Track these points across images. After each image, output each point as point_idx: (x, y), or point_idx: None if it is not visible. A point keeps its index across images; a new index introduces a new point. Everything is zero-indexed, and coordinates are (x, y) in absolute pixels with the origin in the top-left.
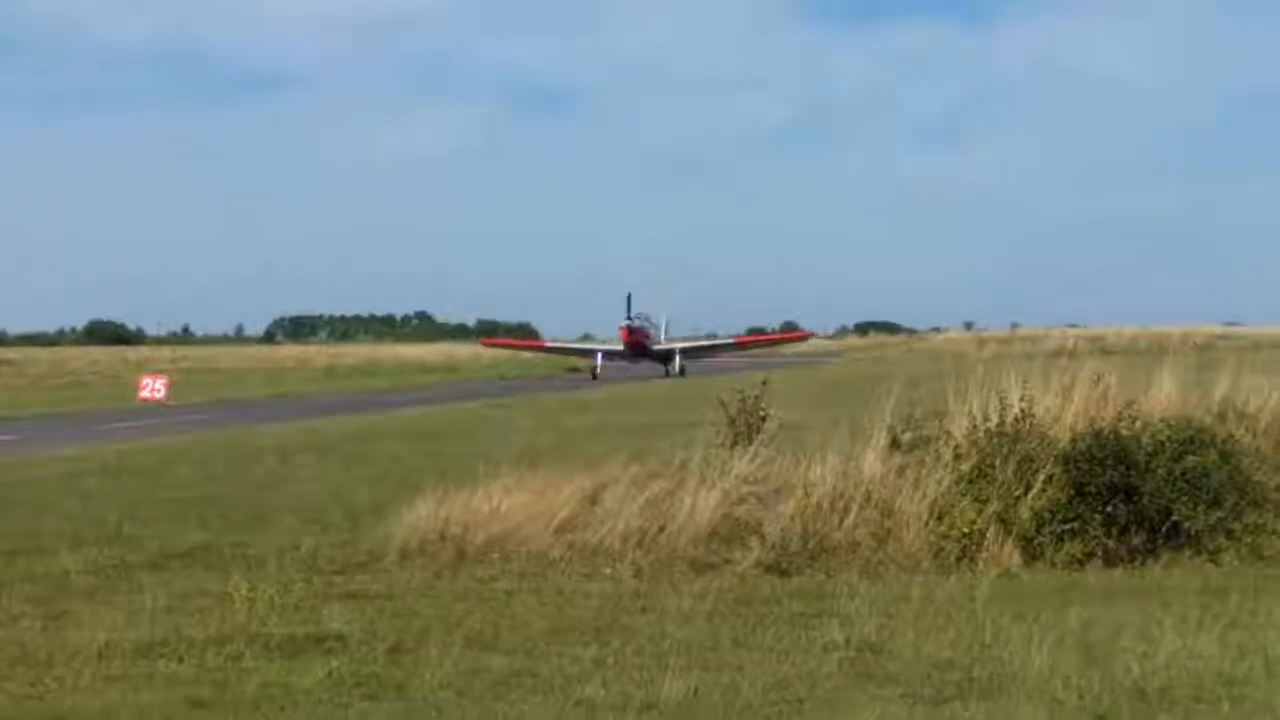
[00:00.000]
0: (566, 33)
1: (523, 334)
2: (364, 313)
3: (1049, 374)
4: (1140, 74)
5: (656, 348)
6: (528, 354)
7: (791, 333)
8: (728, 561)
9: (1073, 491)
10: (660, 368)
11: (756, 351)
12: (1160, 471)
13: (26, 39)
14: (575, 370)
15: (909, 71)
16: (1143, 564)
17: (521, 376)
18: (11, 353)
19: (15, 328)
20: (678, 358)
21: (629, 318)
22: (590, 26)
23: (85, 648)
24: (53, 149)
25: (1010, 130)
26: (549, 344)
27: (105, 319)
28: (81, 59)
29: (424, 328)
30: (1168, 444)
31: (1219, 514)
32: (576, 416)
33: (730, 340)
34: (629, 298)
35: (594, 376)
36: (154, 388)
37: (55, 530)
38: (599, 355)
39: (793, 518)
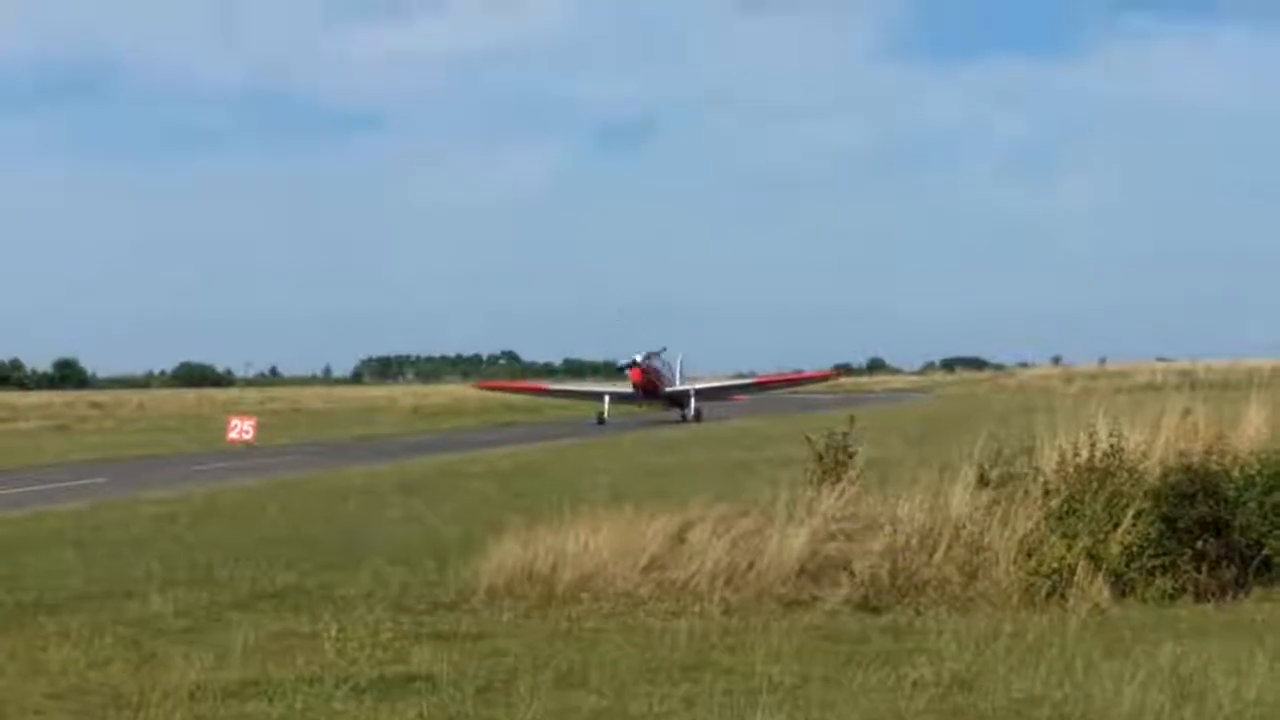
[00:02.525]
0: (653, 65)
1: (608, 371)
2: (450, 353)
3: (1138, 409)
4: (1226, 101)
5: (669, 389)
6: (521, 397)
7: (817, 372)
8: (816, 599)
9: (1163, 526)
10: (674, 412)
11: (811, 389)
12: (1251, 505)
13: (119, 79)
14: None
15: (996, 104)
16: (1234, 599)
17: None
18: (102, 395)
19: (105, 370)
20: (693, 400)
21: (640, 357)
22: (677, 58)
23: (176, 689)
24: (143, 190)
25: (1098, 162)
26: (551, 386)
27: (194, 361)
28: (172, 99)
29: (511, 368)
30: (1258, 478)
31: None
32: (661, 455)
33: (750, 380)
34: (661, 351)
35: (601, 422)
36: (242, 429)
37: (146, 572)
38: (606, 398)
39: (882, 555)
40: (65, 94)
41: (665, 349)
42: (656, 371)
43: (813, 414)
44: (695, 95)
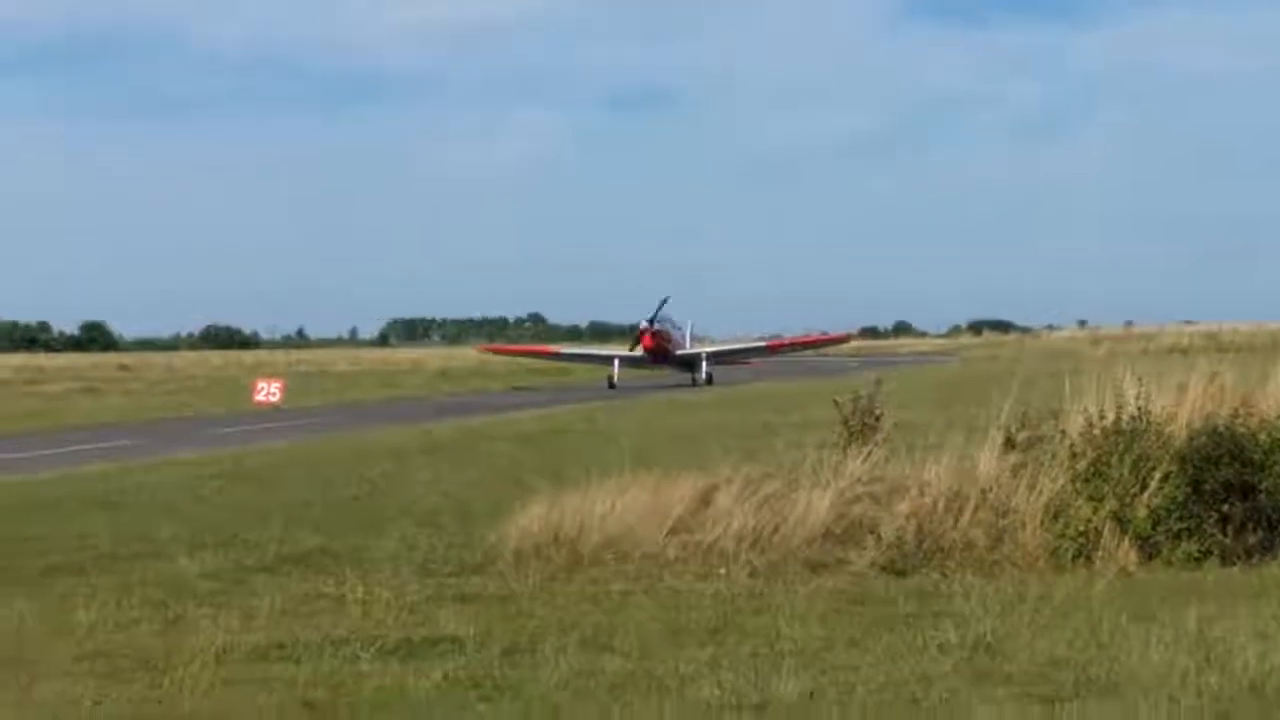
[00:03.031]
0: (663, 38)
1: (632, 335)
2: (476, 315)
3: (1164, 371)
4: (1246, 65)
5: (680, 353)
6: (529, 360)
7: (830, 335)
8: (842, 561)
9: (1189, 489)
10: (684, 375)
11: (829, 352)
12: (1278, 469)
13: (134, 46)
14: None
15: (1009, 70)
16: (1260, 562)
17: (527, 388)
18: (129, 358)
19: (132, 332)
20: (704, 364)
21: (650, 320)
22: (687, 31)
23: (203, 651)
24: (170, 153)
25: (1119, 125)
26: (559, 350)
27: (221, 323)
28: (187, 65)
29: (538, 330)
30: None
31: None
32: (686, 417)
33: (761, 344)
34: (662, 303)
35: (611, 386)
36: (269, 391)
37: (172, 534)
38: (616, 362)
39: (908, 517)
40: (85, 58)
41: (668, 298)
42: (667, 335)
43: (838, 378)
44: (709, 65)
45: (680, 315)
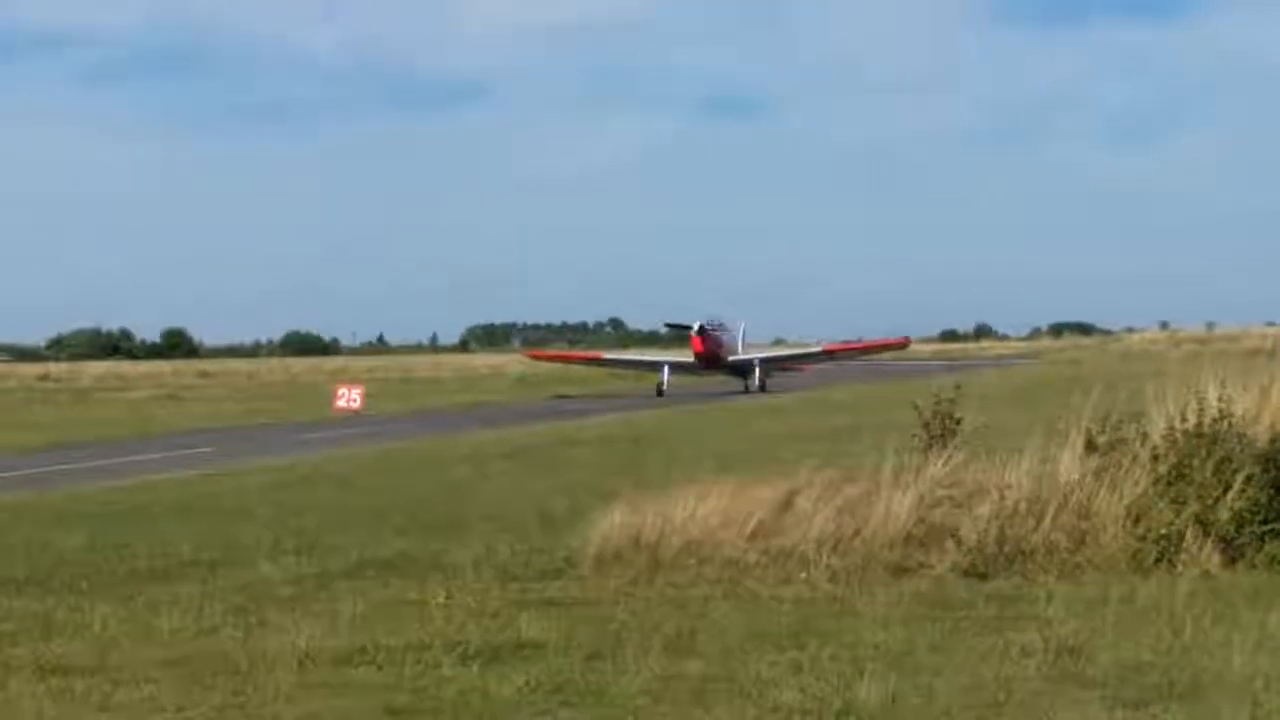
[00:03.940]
0: (757, 37)
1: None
2: (556, 321)
3: (1246, 373)
4: None
5: (733, 358)
6: (579, 367)
7: (887, 340)
8: (923, 565)
9: (1272, 491)
10: (738, 382)
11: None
12: None
13: (222, 52)
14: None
15: (1100, 70)
16: None
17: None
18: (210, 365)
19: (213, 340)
20: (757, 370)
21: (702, 324)
22: (780, 30)
23: (285, 656)
24: (249, 162)
25: (1204, 125)
26: (607, 356)
27: (302, 330)
28: (272, 71)
29: (617, 335)
30: None
31: None
32: (767, 421)
33: (818, 349)
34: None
35: (660, 393)
36: (350, 397)
37: (254, 540)
38: (666, 368)
39: (989, 521)
40: (170, 65)
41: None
42: (719, 340)
43: (919, 381)
44: (800, 66)
45: (764, 319)
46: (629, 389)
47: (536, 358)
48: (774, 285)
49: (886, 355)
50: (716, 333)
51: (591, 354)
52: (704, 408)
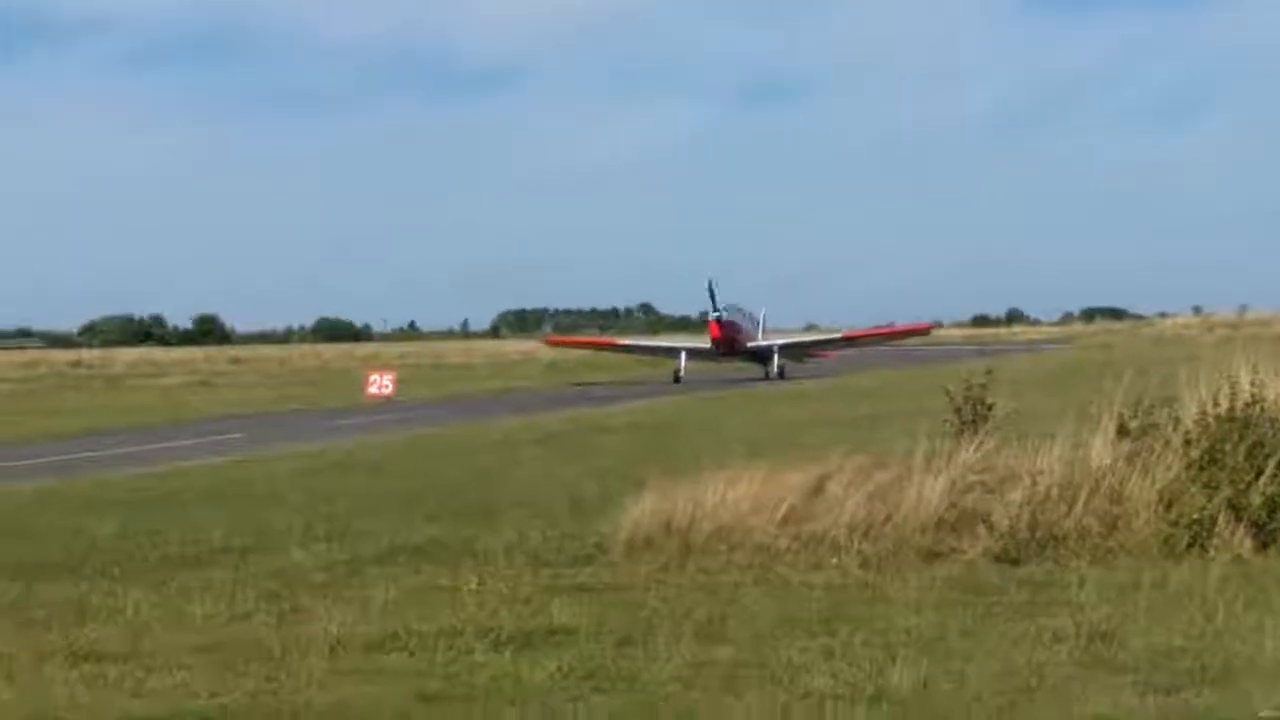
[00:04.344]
0: (790, 24)
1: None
2: (587, 306)
3: (1278, 358)
4: None
5: (752, 344)
6: (608, 354)
7: (909, 326)
8: (955, 551)
9: None
10: (756, 369)
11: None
12: None
13: (254, 39)
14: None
15: (1131, 54)
16: None
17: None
18: (242, 351)
19: (245, 326)
20: (776, 356)
21: (718, 309)
22: (813, 17)
23: (317, 642)
24: (280, 148)
25: (1236, 109)
26: (623, 341)
27: (333, 316)
28: (306, 58)
29: (648, 320)
30: None
31: None
32: (794, 408)
33: (838, 335)
34: (710, 286)
35: (677, 380)
36: (381, 383)
37: (286, 526)
38: (683, 354)
39: (1021, 506)
40: (202, 52)
41: (713, 281)
42: (736, 326)
43: (950, 366)
44: (833, 54)
45: (797, 306)
46: (658, 375)
47: (556, 344)
48: (807, 271)
49: (915, 340)
50: (735, 319)
51: (608, 340)
52: (728, 394)
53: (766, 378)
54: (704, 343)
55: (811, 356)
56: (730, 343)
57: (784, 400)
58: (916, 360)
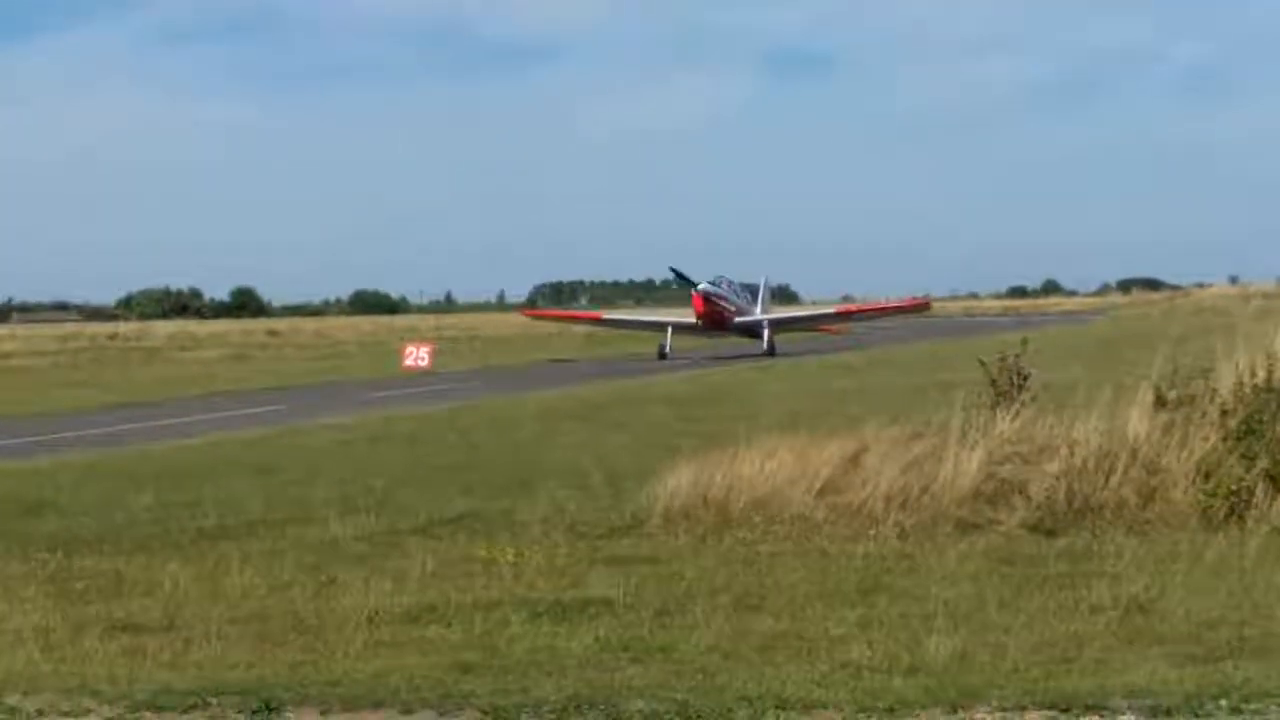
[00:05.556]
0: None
1: (782, 297)
2: (623, 278)
3: None
4: None
5: (740, 319)
6: (578, 327)
7: (905, 301)
8: (992, 522)
9: None
10: (747, 343)
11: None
12: None
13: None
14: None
15: (1167, 29)
16: None
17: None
18: (279, 324)
19: (281, 299)
20: (765, 331)
21: (709, 282)
22: None
23: (355, 614)
24: (319, 121)
25: (1273, 82)
26: (607, 316)
27: (369, 289)
28: (342, 33)
29: (683, 291)
30: None
31: None
32: (838, 379)
33: (830, 310)
34: (676, 271)
35: (662, 356)
36: (418, 356)
37: (325, 498)
38: (669, 329)
39: (1057, 477)
40: (243, 25)
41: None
42: (723, 299)
43: (986, 337)
44: (867, 28)
45: (834, 279)
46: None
47: (536, 317)
48: (844, 243)
49: (955, 308)
50: (721, 292)
51: (589, 314)
52: (767, 365)
53: (772, 353)
54: (690, 317)
55: (821, 332)
56: (715, 317)
57: (826, 372)
58: (951, 332)
